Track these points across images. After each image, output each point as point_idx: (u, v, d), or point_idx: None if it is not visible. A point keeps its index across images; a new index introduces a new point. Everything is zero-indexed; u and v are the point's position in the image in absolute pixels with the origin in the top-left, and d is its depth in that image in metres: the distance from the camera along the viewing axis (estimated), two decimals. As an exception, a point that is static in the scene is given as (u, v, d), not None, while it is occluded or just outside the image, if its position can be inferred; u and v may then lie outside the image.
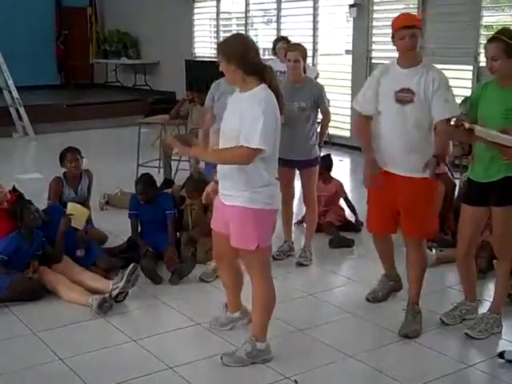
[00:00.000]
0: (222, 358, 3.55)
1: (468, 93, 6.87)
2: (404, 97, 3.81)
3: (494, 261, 4.20)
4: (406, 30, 3.78)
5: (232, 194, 3.35)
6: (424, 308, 4.08)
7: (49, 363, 3.57)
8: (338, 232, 5.67)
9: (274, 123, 3.25)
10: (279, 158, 3.50)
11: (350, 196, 6.11)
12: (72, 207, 4.88)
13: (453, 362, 3.62)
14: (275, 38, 8.16)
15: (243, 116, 3.24)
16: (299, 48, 4.94)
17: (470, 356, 3.75)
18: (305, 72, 4.97)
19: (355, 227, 5.87)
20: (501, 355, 3.58)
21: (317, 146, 5.03)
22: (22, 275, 4.36)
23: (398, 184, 3.89)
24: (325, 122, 5.18)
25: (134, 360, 3.64)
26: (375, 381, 3.48)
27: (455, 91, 4.10)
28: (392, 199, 3.93)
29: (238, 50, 3.29)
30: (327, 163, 6.04)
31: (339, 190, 6.00)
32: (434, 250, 5.02)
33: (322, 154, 5.27)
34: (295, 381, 3.37)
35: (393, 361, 3.68)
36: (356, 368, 3.56)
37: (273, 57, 7.35)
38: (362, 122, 4.08)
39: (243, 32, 11.89)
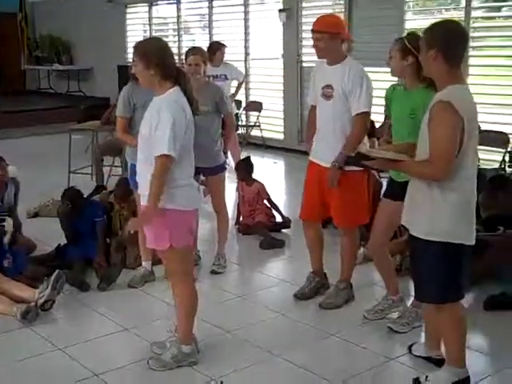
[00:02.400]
0: (148, 362, 3.56)
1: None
2: (327, 92, 4.06)
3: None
4: (313, 33, 3.96)
5: (145, 193, 3.33)
6: (348, 304, 4.18)
7: (-29, 375, 3.51)
8: (268, 233, 5.74)
9: (184, 127, 3.24)
10: None
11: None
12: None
13: (376, 355, 3.71)
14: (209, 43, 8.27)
15: (153, 122, 3.22)
16: (200, 52, 4.83)
17: (392, 349, 3.84)
18: (204, 75, 4.82)
19: (285, 225, 5.99)
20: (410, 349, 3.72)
21: (222, 153, 4.97)
22: None
23: (326, 176, 4.09)
24: (228, 124, 4.95)
25: (59, 368, 3.60)
26: (301, 378, 3.53)
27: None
28: (321, 190, 4.17)
29: (158, 55, 3.27)
30: (248, 165, 6.13)
31: (261, 192, 6.07)
32: (361, 248, 5.13)
33: (242, 157, 5.26)
34: (221, 382, 3.40)
35: (318, 358, 3.75)
36: (282, 367, 3.61)
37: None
38: (311, 113, 4.36)
39: (177, 37, 11.94)
